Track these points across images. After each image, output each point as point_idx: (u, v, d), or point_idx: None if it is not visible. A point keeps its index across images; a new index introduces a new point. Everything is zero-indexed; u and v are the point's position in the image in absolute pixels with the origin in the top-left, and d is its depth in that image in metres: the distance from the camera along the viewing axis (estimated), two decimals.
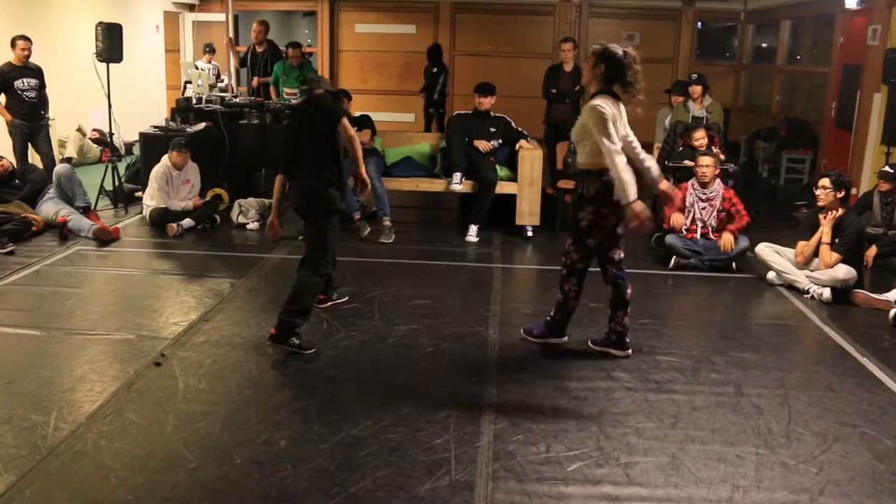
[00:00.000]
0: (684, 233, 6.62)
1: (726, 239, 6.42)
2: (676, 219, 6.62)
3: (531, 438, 3.66)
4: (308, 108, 4.85)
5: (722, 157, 7.45)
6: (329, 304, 5.30)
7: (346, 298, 5.43)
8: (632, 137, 4.54)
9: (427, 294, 5.69)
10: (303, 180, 4.73)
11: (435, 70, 11.73)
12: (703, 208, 6.58)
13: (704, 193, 6.58)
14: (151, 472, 3.30)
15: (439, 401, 4.01)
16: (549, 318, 4.84)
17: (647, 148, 10.18)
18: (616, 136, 4.28)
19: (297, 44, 9.86)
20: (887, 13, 8.90)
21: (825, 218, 5.94)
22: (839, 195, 5.96)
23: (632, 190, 4.18)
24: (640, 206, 4.18)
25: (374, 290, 5.67)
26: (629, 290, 4.62)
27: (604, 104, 4.30)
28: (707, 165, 6.53)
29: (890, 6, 8.87)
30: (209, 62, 12.37)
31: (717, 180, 6.62)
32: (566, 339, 4.85)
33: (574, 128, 4.53)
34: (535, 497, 3.19)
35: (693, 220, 6.60)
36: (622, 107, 4.45)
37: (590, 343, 4.81)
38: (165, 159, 7.38)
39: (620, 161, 4.23)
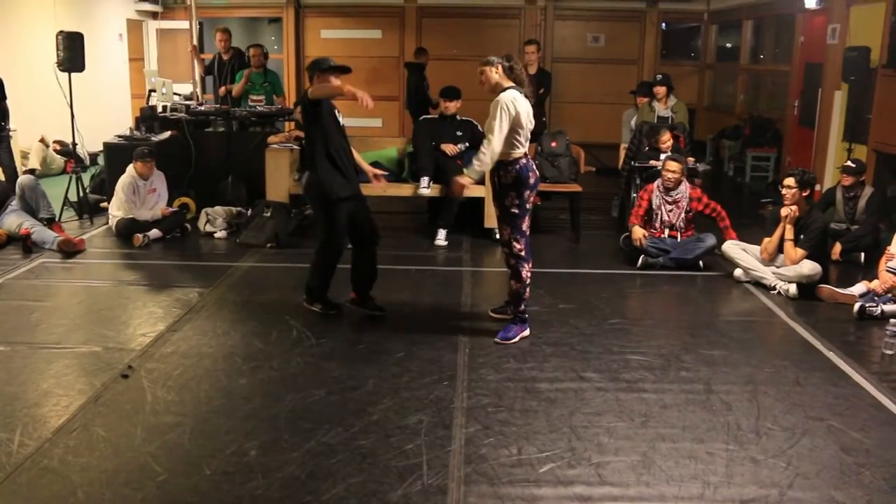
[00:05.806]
0: (653, 231, 6.66)
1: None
2: (636, 232, 6.59)
3: (503, 441, 3.66)
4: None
5: (691, 160, 7.45)
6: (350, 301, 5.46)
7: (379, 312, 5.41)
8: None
9: (397, 298, 5.67)
10: (307, 172, 5.27)
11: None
12: (671, 210, 6.60)
13: (670, 196, 6.60)
14: (120, 487, 3.25)
15: (410, 406, 4.00)
16: (512, 314, 5.00)
17: (614, 148, 10.14)
18: (502, 134, 4.61)
19: (258, 45, 9.40)
20: (845, 13, 9.05)
21: (786, 217, 6.00)
22: (804, 194, 6.03)
23: (476, 174, 4.80)
24: (464, 182, 4.83)
25: (343, 296, 5.63)
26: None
27: (513, 99, 4.62)
28: (673, 171, 6.54)
29: (848, 6, 9.02)
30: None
31: (684, 181, 6.64)
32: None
33: (487, 121, 4.72)
34: (508, 500, 3.20)
35: (660, 222, 6.64)
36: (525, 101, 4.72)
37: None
38: (131, 169, 7.27)
39: (490, 156, 4.64)
